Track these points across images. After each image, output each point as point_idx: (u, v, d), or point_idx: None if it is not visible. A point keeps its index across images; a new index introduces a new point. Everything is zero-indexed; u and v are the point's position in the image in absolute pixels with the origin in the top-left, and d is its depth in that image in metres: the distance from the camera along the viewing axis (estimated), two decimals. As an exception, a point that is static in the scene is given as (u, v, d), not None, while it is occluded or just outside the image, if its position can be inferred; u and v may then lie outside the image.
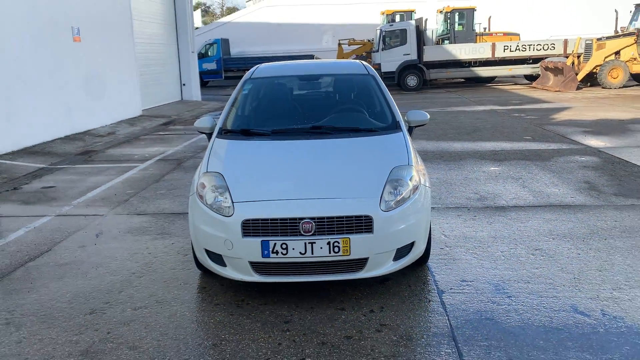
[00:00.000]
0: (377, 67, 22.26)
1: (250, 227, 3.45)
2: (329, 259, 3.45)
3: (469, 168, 7.60)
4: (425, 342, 3.17)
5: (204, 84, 28.39)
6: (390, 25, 23.30)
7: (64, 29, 11.31)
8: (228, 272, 3.62)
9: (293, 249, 3.41)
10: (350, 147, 4.11)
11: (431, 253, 4.42)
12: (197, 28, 27.77)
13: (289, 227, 3.41)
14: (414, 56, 21.90)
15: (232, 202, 3.55)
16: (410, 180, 3.74)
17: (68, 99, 11.31)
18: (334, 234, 3.42)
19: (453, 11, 24.62)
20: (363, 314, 3.53)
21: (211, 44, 27.90)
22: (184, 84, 19.45)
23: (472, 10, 24.73)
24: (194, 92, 19.65)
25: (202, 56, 27.70)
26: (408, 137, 4.36)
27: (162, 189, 7.01)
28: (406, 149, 4.07)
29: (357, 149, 4.09)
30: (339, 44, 26.56)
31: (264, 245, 3.43)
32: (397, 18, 26.80)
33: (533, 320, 3.38)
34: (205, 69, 27.73)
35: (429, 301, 3.68)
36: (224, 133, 4.45)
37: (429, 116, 4.87)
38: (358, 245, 3.44)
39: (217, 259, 3.64)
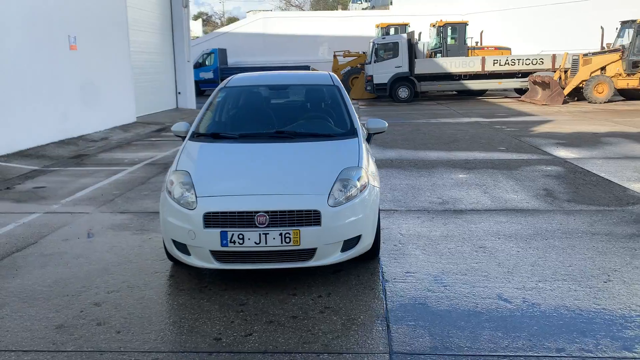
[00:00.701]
0: (370, 78, 22.81)
1: (211, 219, 3.87)
2: (281, 249, 3.86)
3: (439, 175, 8.03)
4: (361, 322, 3.58)
5: (200, 93, 28.87)
6: (383, 38, 23.83)
7: (61, 38, 11.79)
8: (192, 260, 4.04)
9: (249, 239, 3.83)
10: (307, 150, 4.55)
11: (385, 249, 4.86)
12: (196, 37, 28.29)
13: (245, 219, 3.83)
14: (405, 69, 22.41)
15: (196, 197, 3.97)
16: (358, 180, 4.16)
17: (63, 105, 11.76)
18: (285, 226, 3.84)
19: (446, 25, 25.17)
20: (311, 298, 3.93)
21: (209, 54, 28.44)
22: (179, 92, 19.93)
23: (464, 24, 25.28)
24: (189, 100, 20.13)
25: (200, 65, 28.22)
26: (363, 142, 4.79)
27: (146, 190, 7.43)
28: (358, 152, 4.50)
29: (314, 152, 4.52)
30: (335, 56, 27.12)
31: (223, 235, 3.84)
32: (392, 31, 27.39)
33: (460, 305, 3.78)
34: (202, 78, 28.22)
35: (372, 289, 4.09)
36: (196, 136, 4.89)
37: (387, 124, 5.32)
38: (307, 236, 3.86)
39: (183, 248, 4.06)
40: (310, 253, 3.93)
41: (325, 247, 3.94)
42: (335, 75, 5.86)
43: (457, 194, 6.90)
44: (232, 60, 30.33)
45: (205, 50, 29.00)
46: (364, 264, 4.53)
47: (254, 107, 5.43)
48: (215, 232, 3.85)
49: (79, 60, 12.37)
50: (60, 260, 4.84)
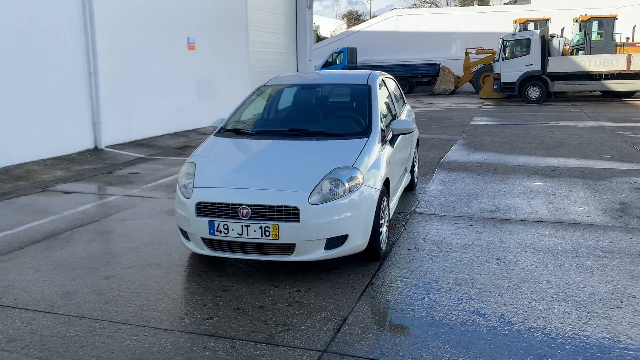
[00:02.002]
0: (497, 77, 21.74)
1: (202, 209, 4.17)
2: (261, 241, 4.04)
3: (511, 182, 7.55)
4: (320, 319, 3.62)
5: (330, 91, 29.70)
6: (513, 34, 22.51)
7: (180, 39, 12.98)
8: (190, 245, 4.38)
9: (232, 229, 4.06)
10: (310, 148, 4.64)
11: (397, 252, 4.79)
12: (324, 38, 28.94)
13: (230, 210, 4.07)
14: (537, 67, 21.01)
15: (193, 187, 4.30)
16: (348, 180, 4.18)
17: (179, 101, 12.95)
18: (266, 220, 4.01)
19: (590, 20, 23.02)
20: (289, 292, 4.05)
21: (338, 53, 29.07)
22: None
23: (613, 18, 22.90)
24: (310, 97, 20.83)
25: (329, 64, 28.99)
26: (375, 143, 4.75)
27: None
28: (359, 153, 4.49)
29: (316, 150, 4.60)
30: (466, 53, 26.25)
31: (210, 224, 4.12)
32: (531, 27, 25.72)
33: (429, 315, 3.65)
34: (331, 76, 28.99)
35: (354, 289, 4.08)
36: (221, 132, 5.22)
37: (413, 126, 5.20)
38: (286, 231, 3.99)
39: (185, 234, 4.41)
40: (290, 248, 4.05)
41: (305, 243, 4.03)
42: (376, 75, 5.84)
43: (516, 202, 6.47)
44: (361, 59, 30.69)
45: (335, 49, 29.70)
46: (363, 265, 4.51)
47: (282, 105, 5.64)
48: (205, 220, 4.14)
49: (196, 60, 13.52)
50: (106, 237, 5.48)
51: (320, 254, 4.11)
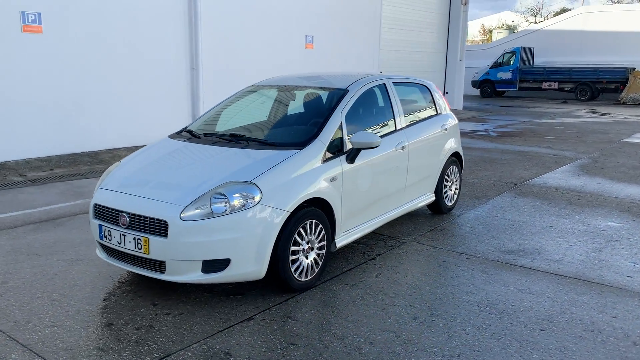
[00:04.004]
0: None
1: (96, 211, 4.00)
2: (135, 254, 3.74)
3: (578, 217, 6.04)
4: (146, 348, 3.20)
5: (497, 94, 27.57)
6: None
7: (297, 37, 13.02)
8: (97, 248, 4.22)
9: (114, 237, 3.83)
10: (229, 157, 4.13)
11: (329, 288, 4.11)
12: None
13: (113, 216, 3.84)
14: None
15: (97, 187, 4.15)
16: (237, 196, 3.65)
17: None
18: (140, 231, 3.69)
19: None
20: (158, 312, 3.68)
21: (511, 53, 26.73)
22: (446, 92, 19.51)
23: None
24: (456, 100, 19.51)
25: (499, 65, 26.85)
26: (307, 156, 4.07)
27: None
28: (272, 166, 3.89)
29: (231, 160, 4.08)
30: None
31: (100, 228, 3.94)
32: None
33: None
34: (499, 78, 26.83)
35: (223, 322, 3.56)
36: (178, 133, 4.95)
37: (377, 140, 4.36)
38: (155, 247, 3.62)
39: None
40: (161, 265, 3.68)
41: (176, 262, 3.62)
42: (370, 79, 5.06)
43: (551, 244, 5.14)
44: (540, 60, 27.82)
45: (506, 49, 27.36)
46: (270, 294, 3.94)
47: (248, 108, 5.17)
48: (96, 224, 3.98)
49: (313, 59, 13.45)
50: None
51: (197, 276, 3.66)
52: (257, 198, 3.69)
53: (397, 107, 5.26)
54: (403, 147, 5.12)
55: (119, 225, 3.80)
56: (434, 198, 5.87)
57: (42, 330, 3.42)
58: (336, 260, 4.69)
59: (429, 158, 5.65)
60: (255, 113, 5.19)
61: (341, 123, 4.45)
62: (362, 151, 4.51)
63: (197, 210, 3.61)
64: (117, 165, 4.45)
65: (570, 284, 4.24)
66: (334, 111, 4.50)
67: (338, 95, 4.74)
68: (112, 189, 4.03)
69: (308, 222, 4.00)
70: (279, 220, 3.75)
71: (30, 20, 8.32)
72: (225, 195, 3.66)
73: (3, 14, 8.04)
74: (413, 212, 6.09)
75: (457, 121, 6.35)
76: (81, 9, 8.93)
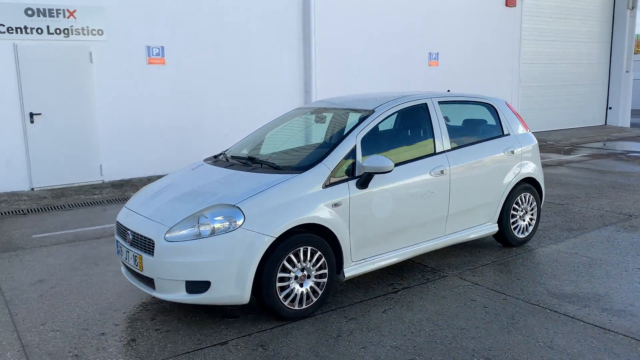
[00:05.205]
0: None
1: (117, 227, 4.34)
2: (134, 270, 3.98)
3: (687, 259, 4.94)
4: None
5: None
6: None
7: (420, 56, 12.70)
8: (128, 262, 4.56)
9: (123, 253, 4.13)
10: (232, 180, 4.17)
11: (327, 320, 3.97)
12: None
13: (124, 234, 4.13)
14: None
15: (125, 206, 4.50)
16: (217, 219, 3.69)
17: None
18: (138, 248, 3.93)
19: None
20: (145, 323, 3.86)
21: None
22: (610, 108, 17.37)
23: None
24: (622, 117, 17.25)
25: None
26: (304, 181, 3.94)
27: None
28: (262, 190, 3.84)
29: (232, 183, 4.11)
30: None
31: (117, 244, 4.27)
32: None
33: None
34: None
35: (198, 342, 3.61)
36: (216, 156, 5.10)
37: (389, 164, 4.06)
38: (146, 264, 3.82)
39: None
40: (152, 282, 3.86)
41: (162, 281, 3.77)
42: (406, 99, 4.74)
43: (624, 293, 4.30)
44: None
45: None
46: (257, 320, 3.90)
47: (278, 131, 5.13)
48: (116, 240, 4.32)
49: (437, 76, 12.97)
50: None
51: (182, 296, 3.76)
52: (240, 222, 3.69)
53: (440, 128, 4.85)
54: (442, 172, 4.70)
55: (126, 242, 4.08)
56: (496, 229, 5.27)
57: (46, 333, 3.80)
58: (354, 290, 4.46)
59: (486, 184, 5.09)
60: (287, 136, 5.19)
61: (354, 146, 4.25)
62: (379, 176, 4.25)
63: (182, 232, 3.73)
64: (148, 185, 4.78)
65: (611, 341, 3.49)
66: (348, 135, 4.32)
67: (362, 117, 4.54)
68: (129, 208, 4.35)
69: (302, 248, 3.88)
70: (263, 245, 3.70)
71: (154, 54, 9.36)
72: (207, 218, 3.72)
73: (132, 49, 9.17)
74: (477, 243, 5.54)
75: (535, 143, 5.63)
76: (200, 42, 9.80)
